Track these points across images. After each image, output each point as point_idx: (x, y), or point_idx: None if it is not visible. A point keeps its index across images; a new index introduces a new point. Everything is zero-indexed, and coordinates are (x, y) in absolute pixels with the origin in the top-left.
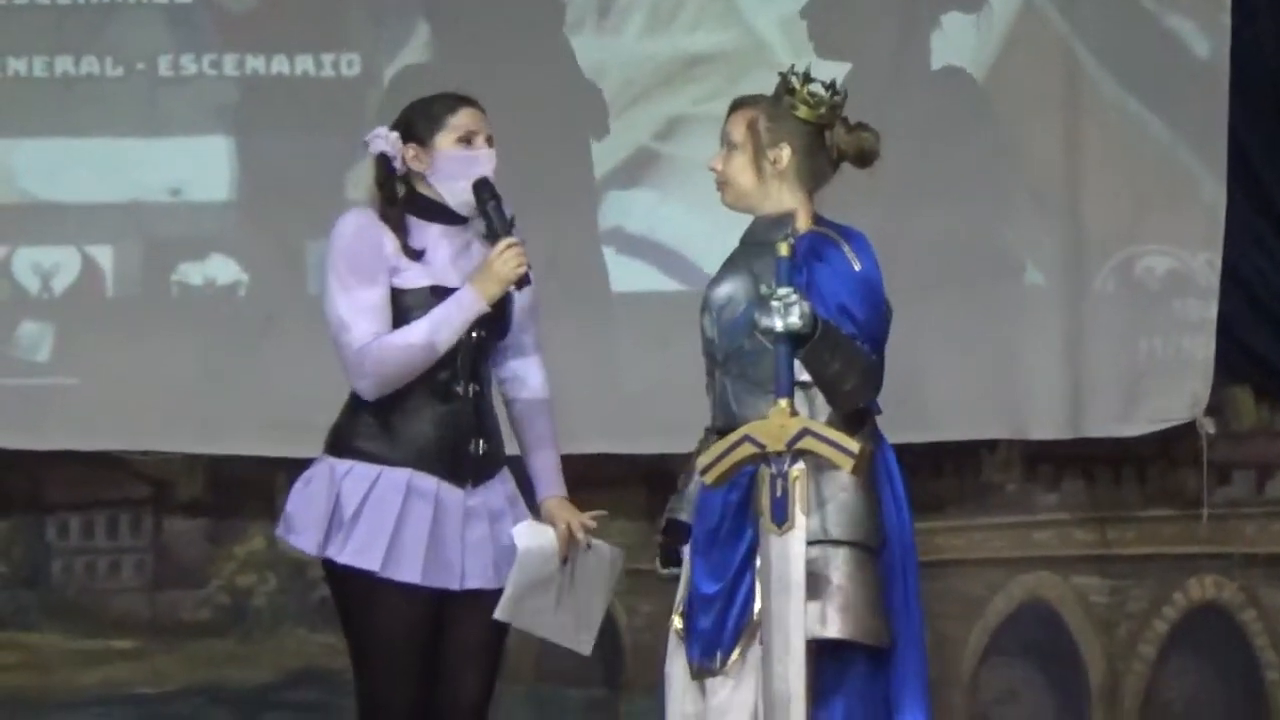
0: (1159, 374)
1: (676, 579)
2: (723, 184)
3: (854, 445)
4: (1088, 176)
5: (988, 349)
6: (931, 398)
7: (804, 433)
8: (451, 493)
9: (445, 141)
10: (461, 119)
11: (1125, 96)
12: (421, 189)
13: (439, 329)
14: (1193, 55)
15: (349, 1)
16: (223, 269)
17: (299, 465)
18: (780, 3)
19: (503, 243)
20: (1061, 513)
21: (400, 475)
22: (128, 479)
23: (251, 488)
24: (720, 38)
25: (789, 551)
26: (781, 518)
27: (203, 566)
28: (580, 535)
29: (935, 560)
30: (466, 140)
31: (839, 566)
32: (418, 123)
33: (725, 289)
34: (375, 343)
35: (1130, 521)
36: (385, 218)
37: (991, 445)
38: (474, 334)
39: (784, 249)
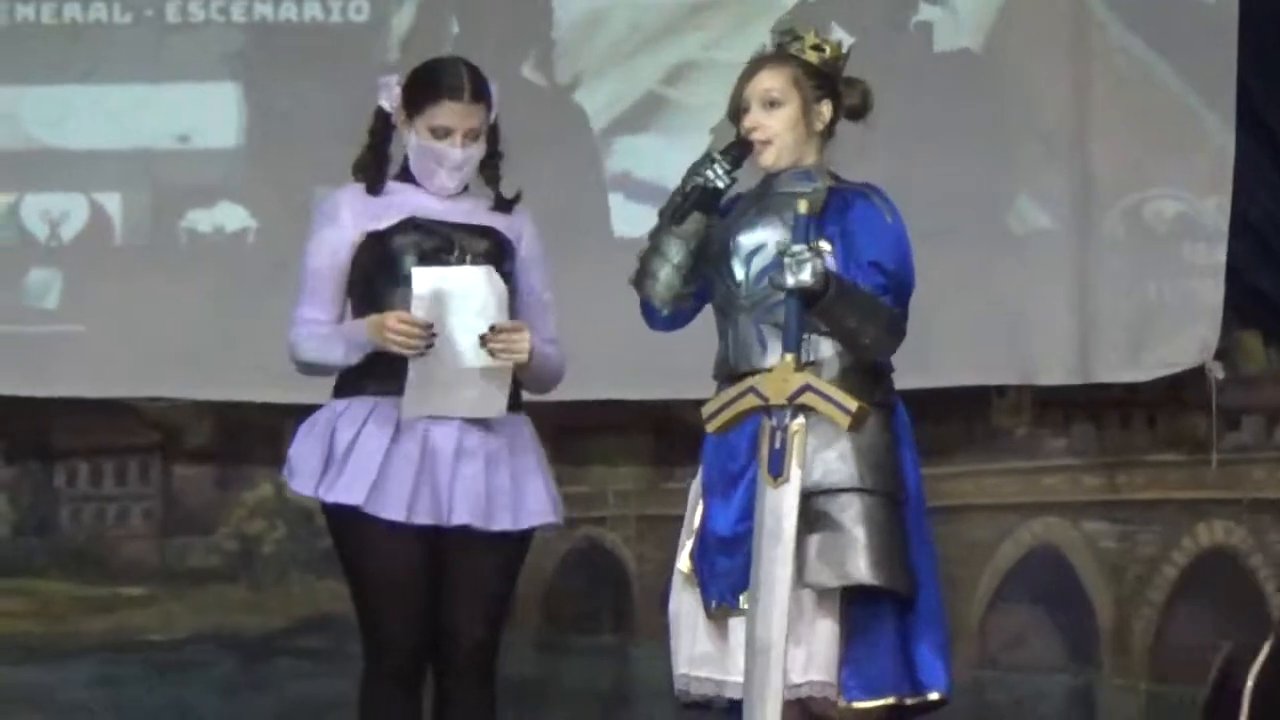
0: (1168, 319)
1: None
2: (765, 143)
3: (852, 403)
4: (1096, 121)
5: (996, 294)
6: (940, 343)
7: (805, 388)
8: (444, 427)
9: (421, 128)
10: (439, 113)
11: (1133, 40)
12: (409, 157)
13: (346, 353)
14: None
15: None
16: (231, 216)
17: (307, 411)
18: None
19: (394, 317)
20: (1070, 458)
21: (391, 410)
22: (136, 426)
23: (260, 435)
24: None
25: (782, 504)
26: (778, 470)
27: (211, 513)
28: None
29: (944, 505)
30: (438, 134)
31: (874, 515)
32: (410, 93)
33: (756, 235)
34: (291, 351)
35: (1139, 466)
36: (357, 166)
37: (1000, 390)
38: None
39: (803, 206)
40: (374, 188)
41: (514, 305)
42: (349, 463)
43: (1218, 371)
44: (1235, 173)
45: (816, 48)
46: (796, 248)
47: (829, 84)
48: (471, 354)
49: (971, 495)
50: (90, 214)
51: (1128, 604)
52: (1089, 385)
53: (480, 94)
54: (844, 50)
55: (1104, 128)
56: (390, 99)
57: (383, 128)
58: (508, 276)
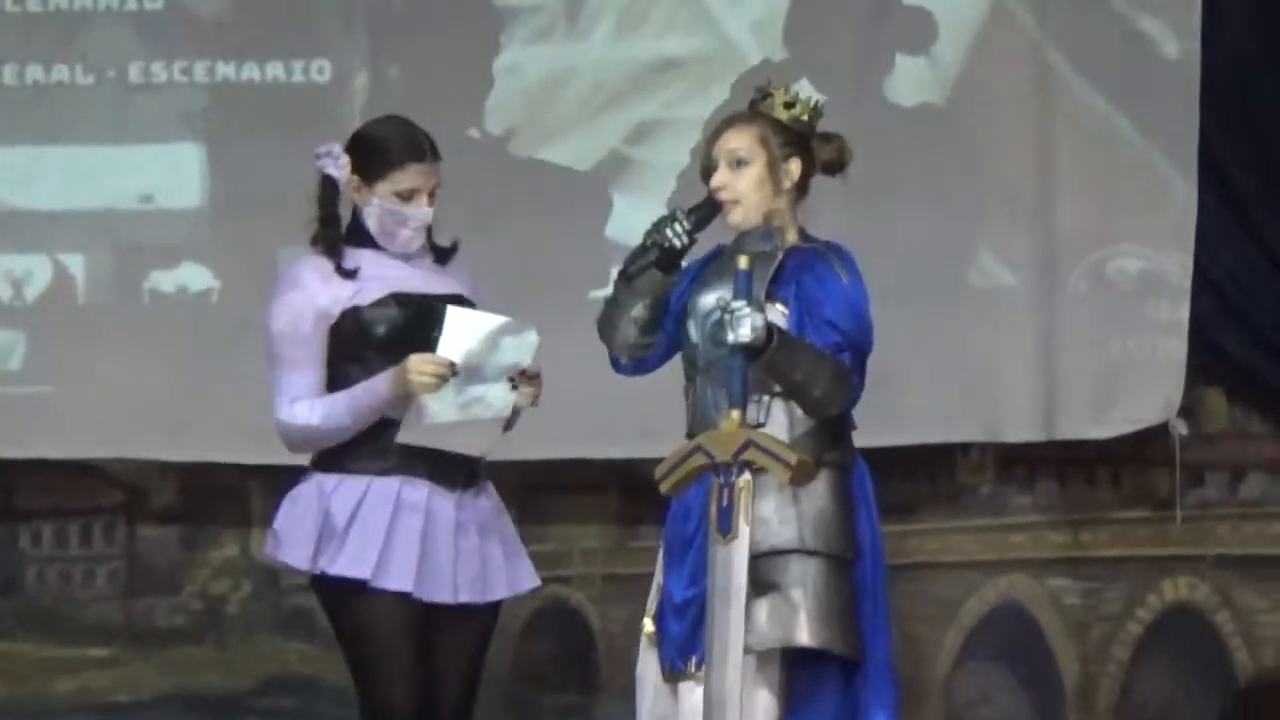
0: (1131, 375)
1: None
2: (733, 202)
3: (792, 457)
4: (1059, 178)
5: (960, 351)
6: (904, 400)
7: (748, 444)
8: (442, 501)
9: (384, 190)
10: (404, 176)
11: (1096, 98)
12: (359, 217)
13: (356, 419)
14: (1163, 56)
15: (319, 8)
16: (195, 276)
17: (272, 472)
18: (751, 7)
19: (419, 358)
20: (1035, 515)
21: (389, 485)
22: (101, 486)
23: (224, 495)
24: (691, 42)
25: (732, 560)
26: (726, 527)
27: (176, 573)
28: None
29: (909, 563)
30: (405, 196)
31: (815, 577)
32: (365, 160)
33: (710, 297)
34: (293, 425)
35: (1103, 523)
36: (318, 239)
37: (965, 448)
38: None
39: (743, 262)
40: (338, 259)
41: None
42: (350, 535)
43: (1181, 428)
44: (1198, 229)
45: (788, 105)
46: (736, 304)
47: (799, 141)
48: (484, 397)
49: (936, 553)
50: (54, 274)
51: (1093, 661)
52: (1053, 442)
53: (436, 151)
54: (815, 106)
55: (1067, 184)
56: (338, 167)
57: (332, 196)
58: None
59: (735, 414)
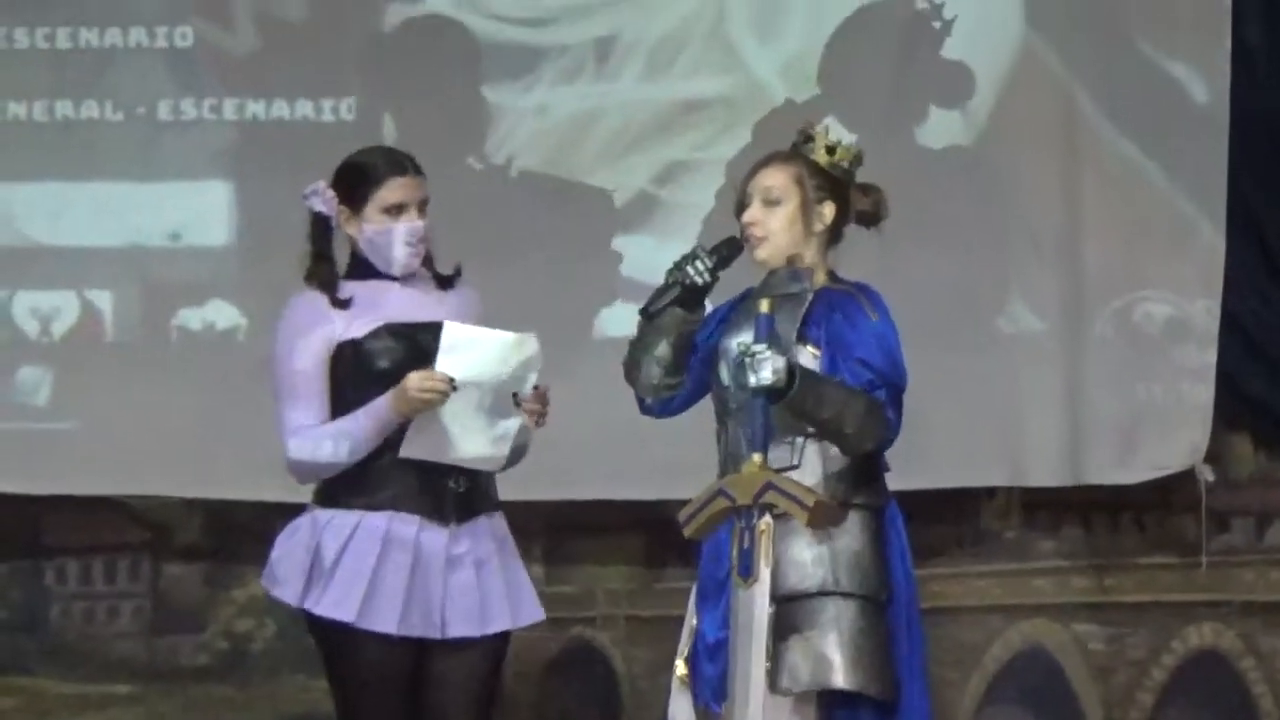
0: (1157, 421)
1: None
2: (761, 239)
3: (810, 499)
4: (1087, 222)
5: (987, 395)
6: (930, 444)
7: (767, 486)
8: (433, 535)
9: (372, 211)
10: (389, 192)
11: (1124, 142)
12: (357, 250)
13: (357, 444)
14: (1192, 101)
15: (347, 46)
16: (222, 314)
17: (297, 511)
18: (780, 48)
19: (418, 375)
20: (1060, 560)
21: (379, 521)
22: (126, 523)
23: (249, 533)
24: (719, 83)
25: (753, 604)
26: (747, 570)
27: (201, 611)
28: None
29: (933, 607)
30: (393, 212)
31: (849, 619)
32: (350, 187)
33: (740, 339)
34: (298, 458)
35: (1129, 569)
36: (311, 275)
37: (990, 492)
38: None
39: (764, 305)
40: (334, 295)
41: None
42: (337, 576)
43: (1207, 474)
44: (1226, 274)
45: (829, 149)
46: (756, 347)
47: (836, 186)
48: (487, 412)
49: (960, 597)
50: (81, 311)
51: (1117, 707)
52: (1079, 487)
53: (418, 167)
54: (856, 154)
55: (1095, 228)
56: (324, 202)
57: (323, 232)
58: None
59: (757, 457)
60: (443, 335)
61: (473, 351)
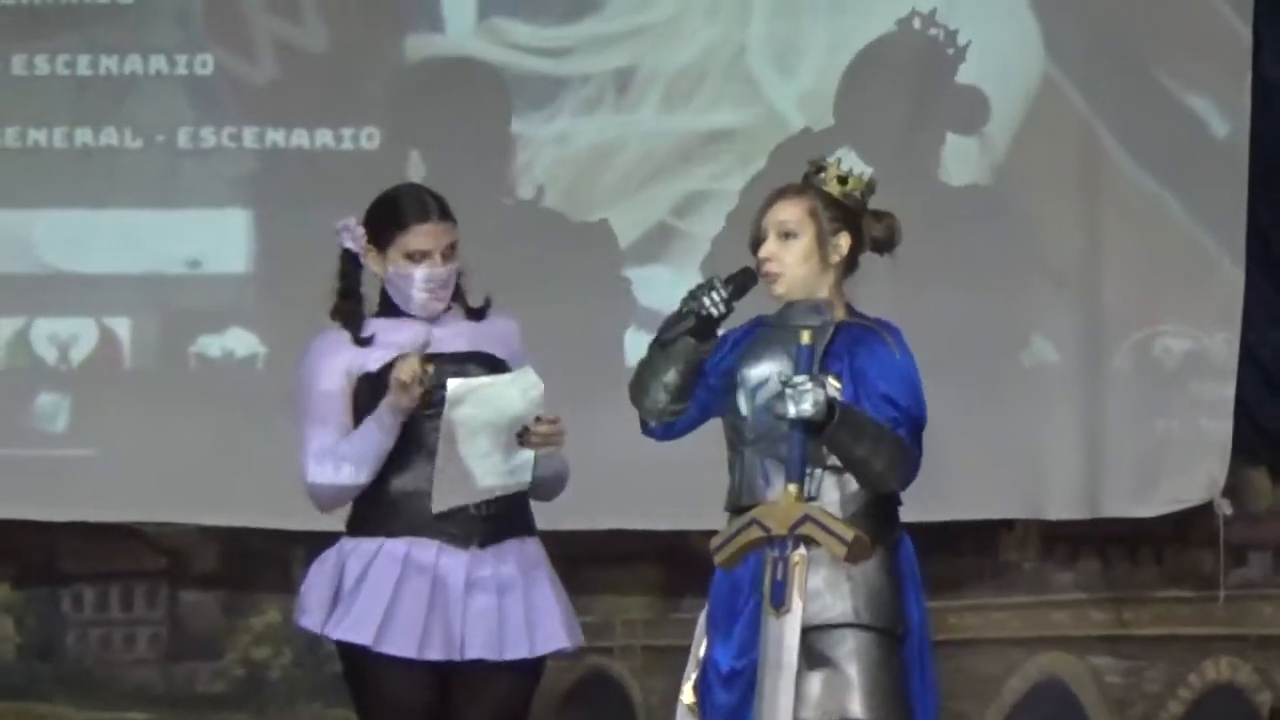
0: (1176, 454)
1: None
2: (777, 274)
3: (849, 533)
4: (1106, 256)
5: (1005, 428)
6: (950, 476)
7: (805, 518)
8: (453, 559)
9: (396, 255)
10: (413, 239)
11: (1144, 176)
12: (387, 289)
13: (369, 458)
14: (1212, 135)
15: (368, 75)
16: (241, 341)
17: (314, 538)
18: (799, 80)
19: (397, 368)
20: (1078, 593)
21: (399, 547)
22: (143, 550)
23: (267, 560)
24: (739, 114)
25: (784, 634)
26: (779, 601)
27: (218, 639)
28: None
29: (951, 640)
30: (415, 257)
31: (868, 651)
32: (377, 228)
33: (761, 369)
34: (318, 482)
35: (1146, 602)
36: (336, 312)
37: (1008, 524)
38: None
39: (806, 337)
40: (357, 332)
41: None
42: (357, 600)
43: (1225, 508)
44: (1245, 309)
45: (841, 179)
46: (798, 379)
47: (850, 217)
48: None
49: (978, 629)
50: (100, 338)
51: None
52: (1097, 520)
53: (446, 211)
54: (868, 183)
55: (1114, 262)
56: (354, 240)
57: (352, 269)
58: None
59: (793, 488)
60: (447, 394)
61: (477, 400)
